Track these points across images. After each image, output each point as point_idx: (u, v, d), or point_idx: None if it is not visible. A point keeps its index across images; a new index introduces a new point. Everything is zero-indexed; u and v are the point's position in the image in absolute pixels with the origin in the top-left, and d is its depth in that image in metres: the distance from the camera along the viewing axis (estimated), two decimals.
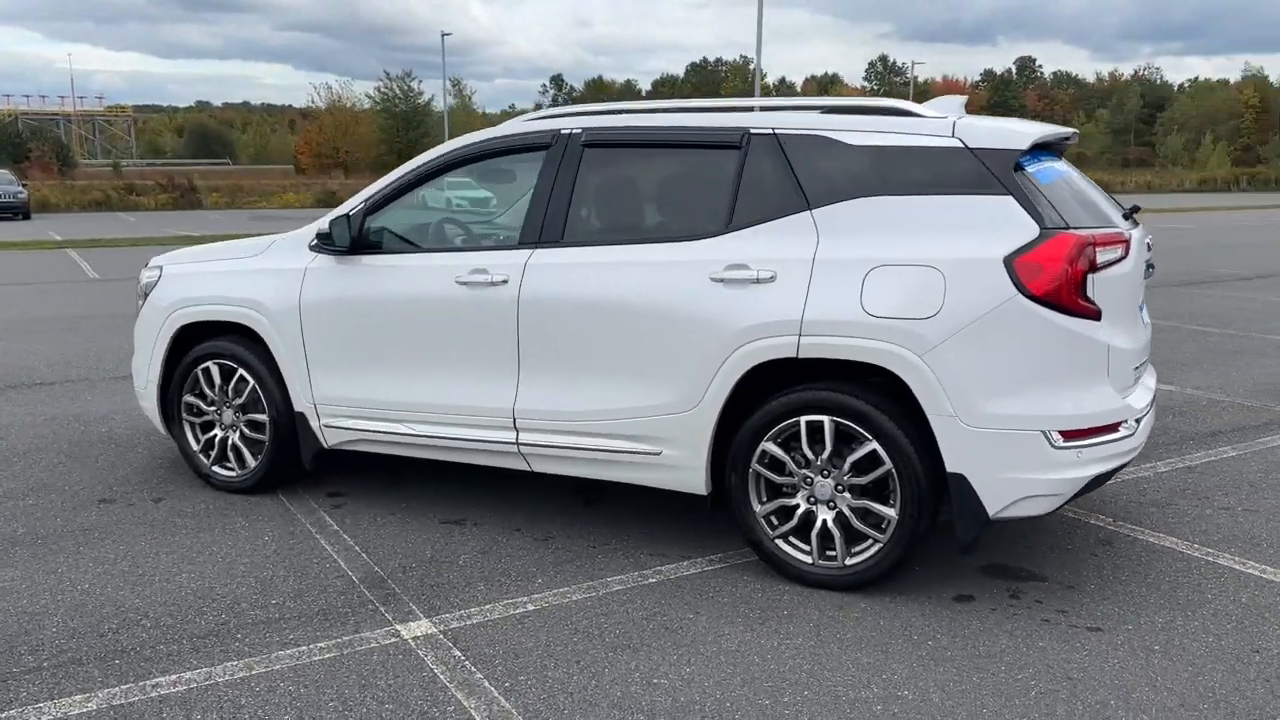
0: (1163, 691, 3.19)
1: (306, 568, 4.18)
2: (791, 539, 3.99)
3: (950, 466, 3.67)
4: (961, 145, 3.77)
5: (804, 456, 3.90)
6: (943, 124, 3.85)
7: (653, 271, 4.10)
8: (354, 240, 4.68)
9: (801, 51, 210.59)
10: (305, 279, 4.80)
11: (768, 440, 3.95)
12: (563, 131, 4.45)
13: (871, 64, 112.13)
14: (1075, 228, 3.66)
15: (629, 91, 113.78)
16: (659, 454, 4.15)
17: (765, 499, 4.02)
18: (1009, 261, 3.58)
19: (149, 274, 5.36)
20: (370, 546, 4.41)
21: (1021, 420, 3.60)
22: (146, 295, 5.31)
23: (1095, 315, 3.64)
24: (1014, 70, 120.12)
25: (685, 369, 4.02)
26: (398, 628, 3.64)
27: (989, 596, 3.88)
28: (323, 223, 4.67)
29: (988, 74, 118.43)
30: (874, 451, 3.76)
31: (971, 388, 3.60)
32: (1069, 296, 3.57)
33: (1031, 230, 3.61)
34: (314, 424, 4.88)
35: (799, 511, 3.95)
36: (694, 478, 4.13)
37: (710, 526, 4.54)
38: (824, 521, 3.90)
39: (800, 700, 3.15)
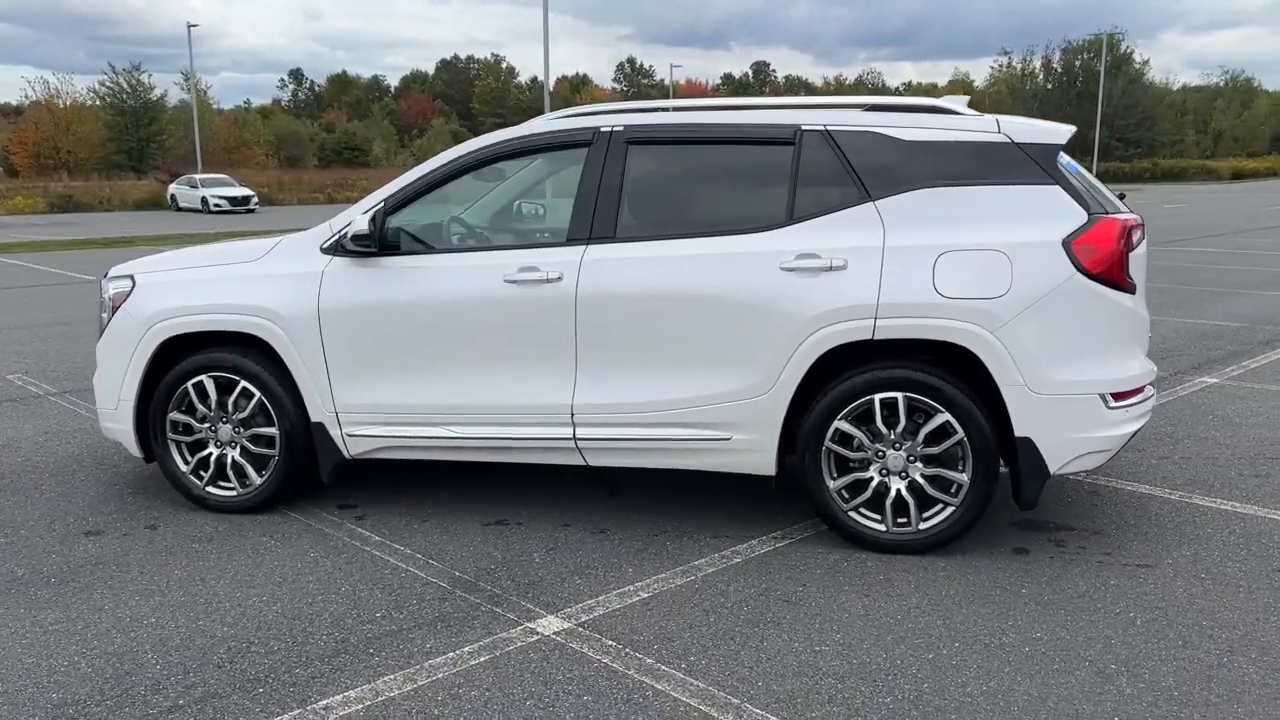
0: (1234, 610, 3.70)
1: (383, 580, 4.05)
2: (863, 510, 4.26)
3: (1019, 431, 4.05)
4: (1009, 140, 4.17)
5: (877, 431, 4.18)
6: (988, 121, 4.23)
7: (720, 263, 4.25)
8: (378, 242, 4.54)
9: (543, 50, 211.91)
10: (323, 283, 4.60)
11: (841, 419, 4.20)
12: (602, 129, 4.51)
13: (620, 65, 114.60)
14: (1111, 213, 4.13)
15: (377, 87, 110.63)
16: (729, 439, 4.31)
17: (836, 475, 4.27)
18: (1067, 244, 4.01)
19: (117, 285, 4.94)
20: (432, 553, 4.31)
21: (1082, 385, 4.03)
22: (115, 308, 4.89)
23: (1133, 289, 4.13)
24: (751, 74, 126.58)
25: (758, 355, 4.20)
26: (530, 625, 3.63)
27: (1039, 548, 4.30)
28: (358, 224, 4.48)
29: (727, 77, 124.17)
30: (946, 422, 4.09)
31: (1039, 358, 4.00)
32: (1118, 273, 4.04)
33: (1081, 216, 4.05)
34: (334, 434, 4.68)
35: (872, 484, 4.22)
36: (764, 459, 4.32)
37: (747, 507, 4.75)
38: (897, 491, 4.20)
39: (956, 650, 3.42)
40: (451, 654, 3.43)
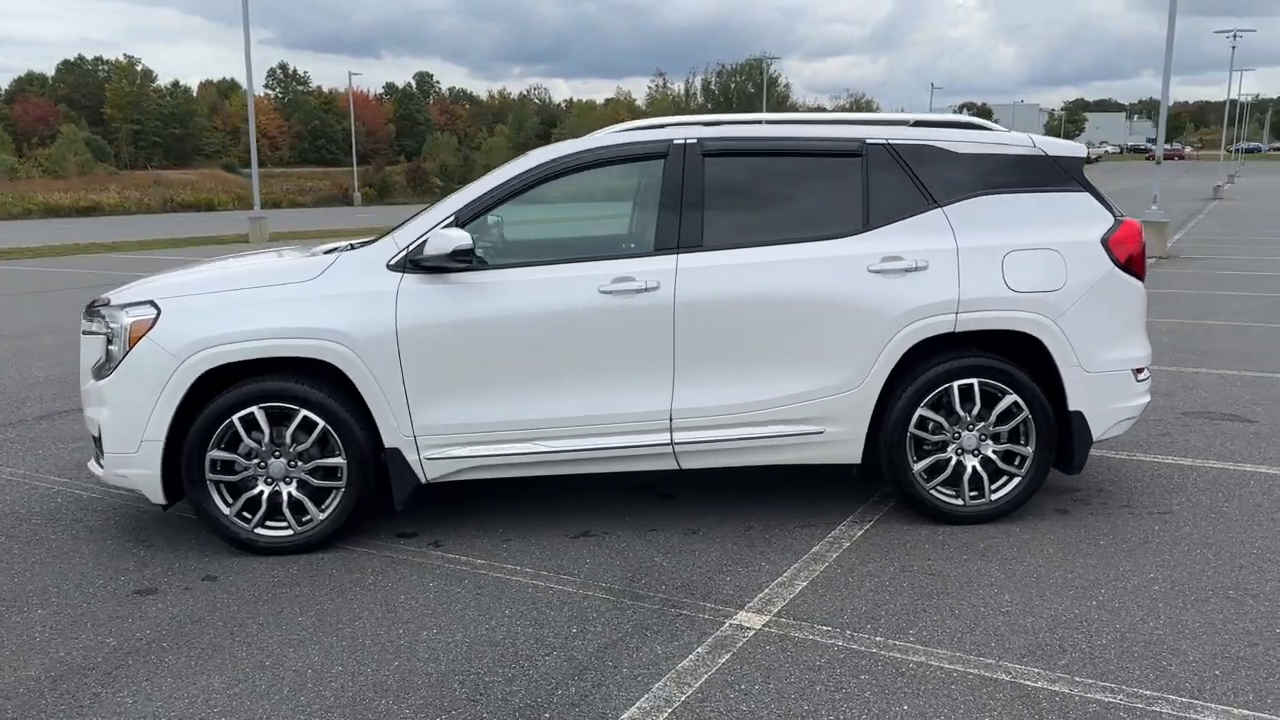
0: (1267, 540, 4.49)
1: (537, 599, 3.97)
2: (940, 488, 4.70)
3: (1072, 406, 4.66)
4: (1044, 154, 4.78)
5: (954, 414, 4.64)
6: (1023, 137, 4.83)
7: (811, 268, 4.53)
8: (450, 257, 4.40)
9: (177, 52, 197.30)
10: (400, 302, 4.38)
11: (924, 406, 4.61)
12: (675, 141, 4.65)
13: (272, 71, 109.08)
14: (1124, 216, 4.85)
15: None
16: (821, 432, 4.60)
17: (917, 457, 4.68)
18: (1104, 241, 4.67)
19: (135, 313, 4.40)
20: (554, 569, 4.26)
21: (1119, 363, 4.71)
22: (134, 339, 4.36)
23: (1143, 279, 4.86)
24: (414, 84, 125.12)
25: (851, 352, 4.53)
26: (734, 622, 3.73)
27: (1074, 508, 4.94)
28: (458, 238, 4.29)
29: (389, 87, 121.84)
30: (1014, 402, 4.62)
31: (1089, 341, 4.63)
32: (1140, 265, 4.75)
33: (1109, 218, 4.73)
34: (411, 458, 4.47)
35: (951, 463, 4.67)
36: (853, 449, 4.65)
37: (796, 497, 5.07)
38: (972, 468, 4.68)
39: (1110, 595, 3.93)
40: (692, 656, 3.48)
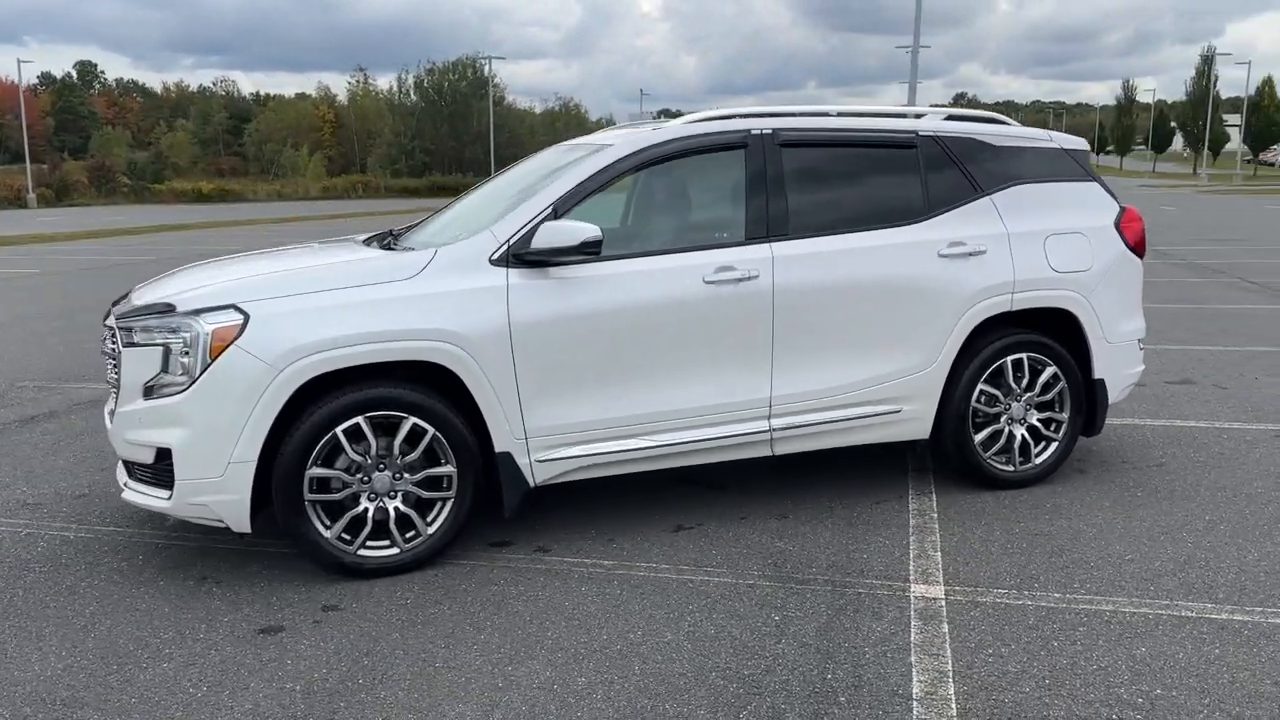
0: (1265, 475, 5.19)
1: (709, 593, 3.92)
2: (994, 457, 5.06)
3: (1096, 374, 5.16)
4: (1060, 148, 5.25)
5: (1007, 387, 5.01)
6: (1041, 132, 5.28)
7: (890, 254, 4.74)
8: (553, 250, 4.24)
9: None
10: (511, 298, 4.17)
11: (983, 381, 4.95)
12: (753, 132, 4.71)
13: None
14: (1124, 204, 5.41)
15: None
16: (899, 411, 4.83)
17: (974, 429, 5.01)
18: (1117, 225, 5.21)
19: (218, 319, 3.89)
20: (692, 563, 4.21)
21: (1130, 334, 5.26)
22: (216, 349, 3.86)
23: (1143, 258, 5.44)
24: (75, 74, 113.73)
25: (927, 333, 4.79)
26: (924, 596, 3.88)
27: (1091, 469, 5.46)
28: (585, 230, 4.10)
29: (45, 76, 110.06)
30: (1054, 373, 5.06)
31: (1109, 315, 5.14)
32: (1143, 246, 5.33)
33: (1115, 205, 5.27)
34: (522, 462, 4.26)
35: (1003, 433, 5.05)
36: (924, 426, 4.91)
37: (840, 475, 5.29)
38: (1021, 436, 5.07)
39: (1230, 531, 4.42)
40: (916, 629, 3.59)
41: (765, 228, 4.59)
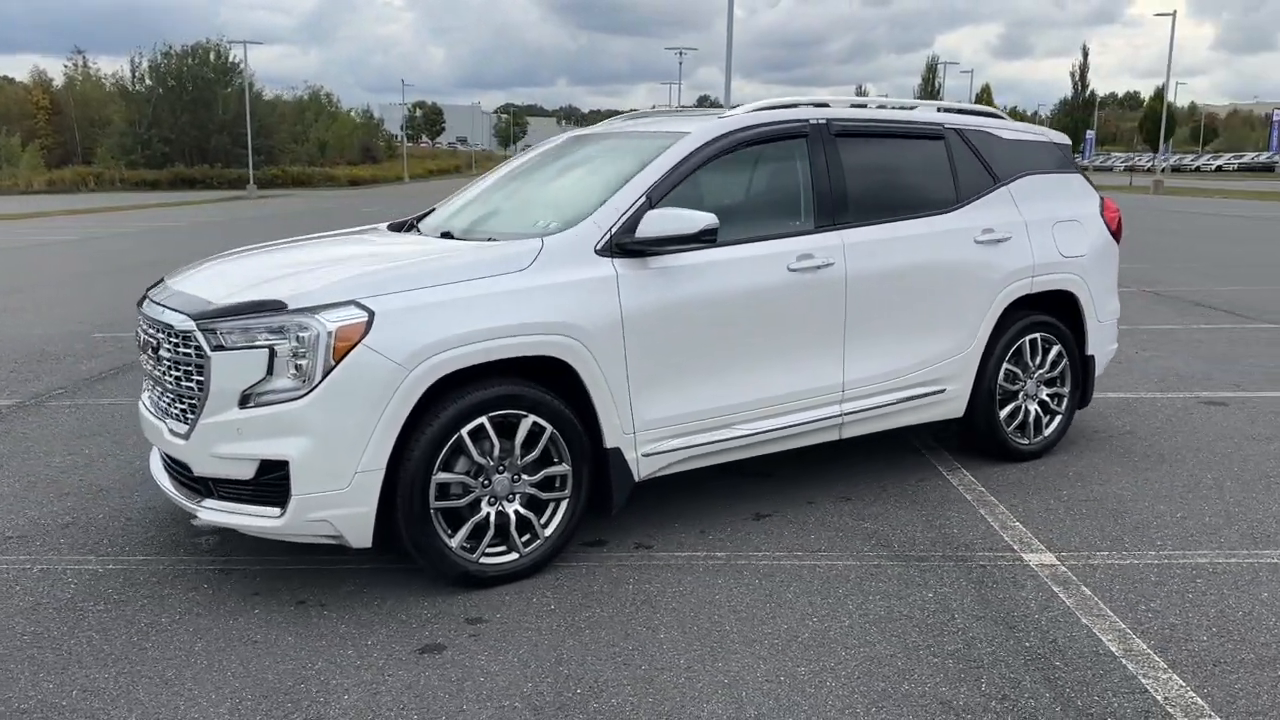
0: (1265, 428, 5.79)
1: (859, 576, 3.98)
2: (1014, 431, 5.38)
3: (1089, 350, 5.60)
4: (1051, 141, 5.64)
5: (1026, 366, 5.34)
6: (1035, 127, 5.65)
7: (937, 240, 4.95)
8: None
9: None
10: (621, 288, 4.05)
11: (1007, 360, 5.26)
12: (811, 121, 4.78)
13: None
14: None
15: None
16: (944, 391, 5.06)
17: (999, 407, 5.32)
18: (1100, 213, 5.66)
19: (337, 316, 3.55)
20: (806, 547, 4.25)
21: (1112, 313, 5.73)
22: (341, 349, 3.53)
23: (1119, 243, 5.93)
24: None
25: (968, 315, 5.04)
26: (1037, 562, 4.09)
27: (1080, 439, 5.90)
28: (703, 219, 4.01)
29: None
30: (1060, 351, 5.45)
31: (1099, 295, 5.59)
32: (1120, 231, 5.80)
33: (1096, 194, 5.72)
34: (630, 457, 4.15)
35: (1021, 410, 5.38)
36: (961, 405, 5.17)
37: (867, 458, 5.48)
38: (1035, 411, 5.43)
39: (1263, 474, 4.90)
40: (1065, 595, 3.78)
41: (832, 216, 4.68)
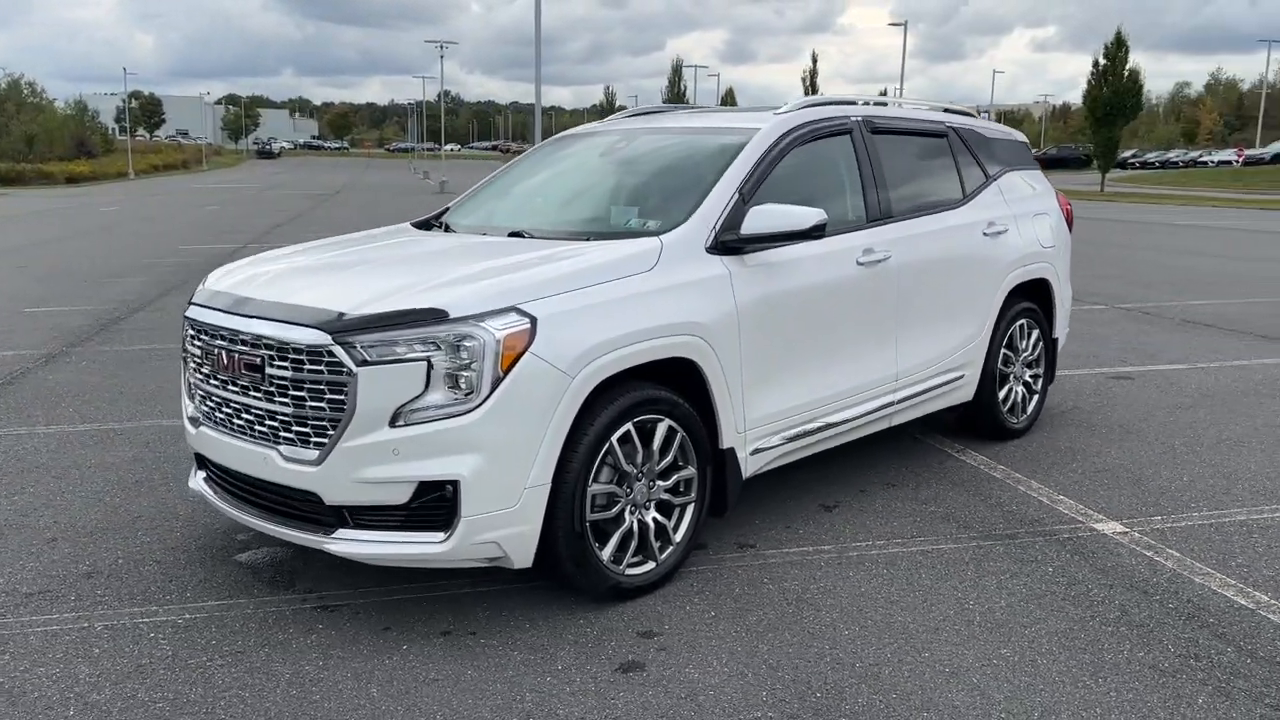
0: (1246, 400, 6.41)
1: (970, 559, 4.13)
2: (1008, 411, 5.73)
3: (1055, 334, 6.05)
4: (1018, 140, 6.04)
5: (1015, 349, 5.70)
6: (1004, 127, 6.02)
7: (958, 233, 5.20)
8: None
9: None
10: (734, 286, 4.01)
11: (1004, 346, 5.60)
12: (851, 118, 4.90)
13: None
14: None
15: None
16: (962, 377, 5.32)
17: (999, 390, 5.65)
18: (1058, 204, 6.11)
19: (502, 323, 3.30)
20: (898, 534, 4.37)
21: (1069, 299, 6.21)
22: (508, 358, 3.30)
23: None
24: None
25: (981, 304, 5.33)
26: (1111, 530, 4.39)
27: (1045, 416, 6.33)
28: (812, 215, 4.00)
29: None
30: (1039, 334, 5.86)
31: (1063, 283, 6.04)
32: (1072, 222, 6.28)
33: (1051, 188, 6.18)
34: (741, 456, 4.12)
35: (1013, 390, 5.74)
36: (971, 390, 5.44)
37: (887, 448, 5.70)
38: (1020, 392, 5.80)
39: (1269, 433, 5.43)
40: (1157, 555, 4.09)
41: (879, 211, 4.81)
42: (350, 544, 3.37)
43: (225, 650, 3.36)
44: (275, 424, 3.46)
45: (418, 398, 3.25)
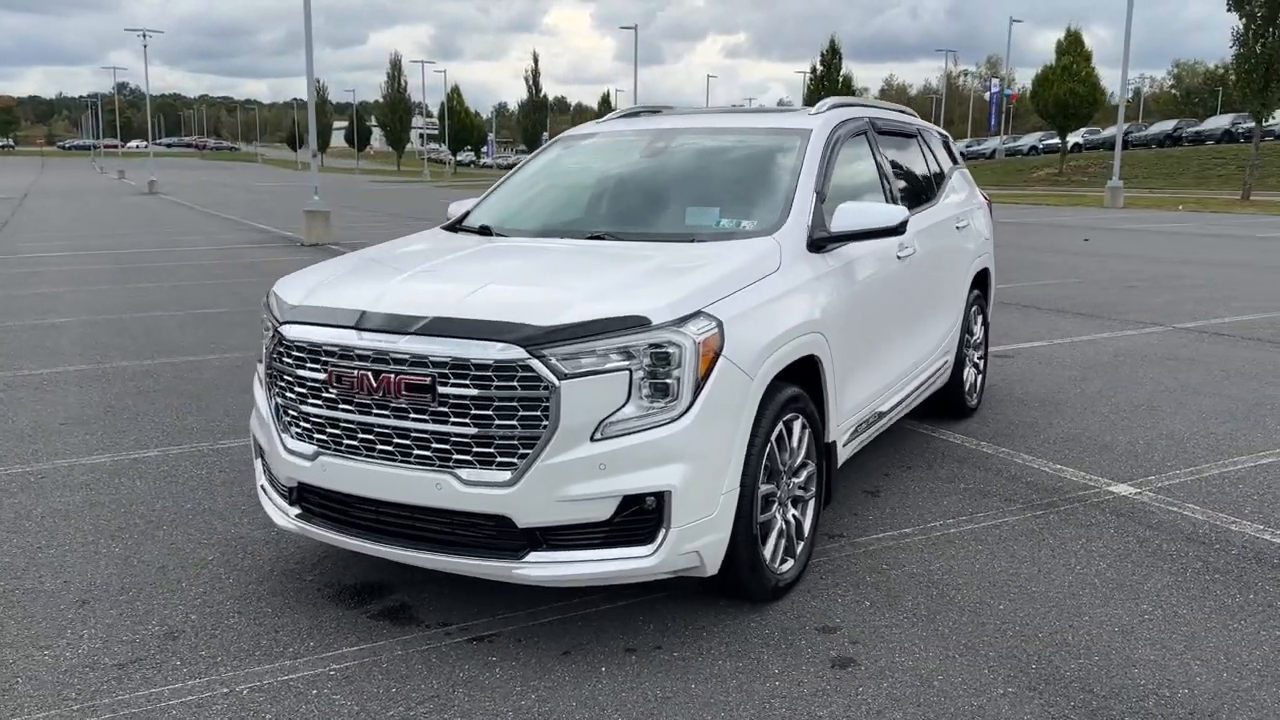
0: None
1: (1059, 529, 4.43)
2: (967, 391, 6.16)
3: (988, 318, 6.58)
4: (949, 140, 6.50)
5: (969, 334, 6.14)
6: (936, 126, 6.45)
7: (945, 227, 5.56)
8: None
9: None
10: (833, 282, 4.12)
11: (964, 331, 6.03)
12: (866, 118, 5.13)
13: None
14: None
15: None
16: (946, 362, 5.69)
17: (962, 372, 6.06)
18: (985, 200, 6.64)
19: (697, 327, 3.21)
20: (971, 513, 4.63)
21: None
22: (704, 364, 3.24)
23: None
24: None
25: (956, 294, 5.73)
26: (1125, 492, 4.86)
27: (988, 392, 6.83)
28: (897, 212, 4.13)
29: None
30: (983, 320, 6.35)
31: (994, 270, 6.58)
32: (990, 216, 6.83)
33: (973, 184, 6.69)
34: (839, 449, 4.25)
35: (969, 371, 6.18)
36: (948, 374, 5.82)
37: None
38: (974, 373, 6.26)
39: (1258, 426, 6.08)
40: (1178, 508, 4.59)
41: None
42: (546, 567, 3.18)
43: (415, 697, 3.08)
44: (448, 446, 3.20)
45: (620, 409, 3.13)
